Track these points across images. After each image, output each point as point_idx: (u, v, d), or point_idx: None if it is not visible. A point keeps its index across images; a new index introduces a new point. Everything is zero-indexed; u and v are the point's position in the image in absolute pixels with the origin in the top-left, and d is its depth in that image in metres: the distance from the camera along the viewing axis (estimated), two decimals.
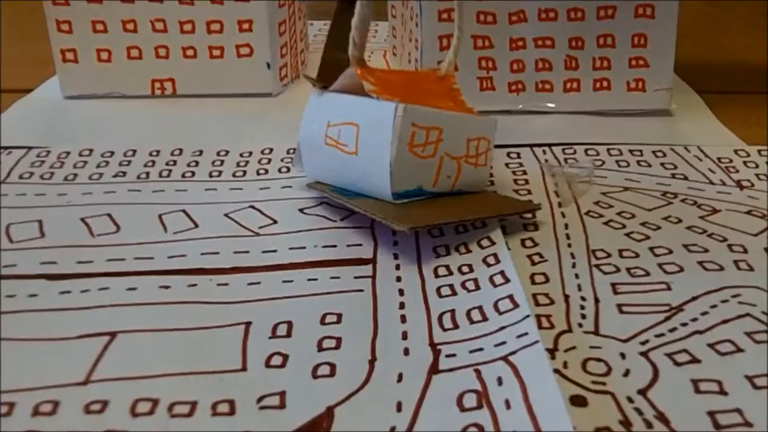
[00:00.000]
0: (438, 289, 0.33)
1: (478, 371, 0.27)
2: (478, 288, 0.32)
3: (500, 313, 0.30)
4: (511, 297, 0.31)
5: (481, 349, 0.28)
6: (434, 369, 0.28)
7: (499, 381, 0.26)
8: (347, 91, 0.38)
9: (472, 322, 0.30)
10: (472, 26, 0.51)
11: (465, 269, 0.34)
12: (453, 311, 0.31)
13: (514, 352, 0.28)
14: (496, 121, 0.40)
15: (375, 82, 0.37)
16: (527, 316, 0.29)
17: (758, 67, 0.65)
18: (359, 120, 0.36)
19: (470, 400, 0.26)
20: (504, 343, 0.28)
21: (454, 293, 0.32)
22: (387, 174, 0.35)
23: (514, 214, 0.38)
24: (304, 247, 0.36)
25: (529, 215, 0.39)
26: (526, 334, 0.28)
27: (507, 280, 0.32)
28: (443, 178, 0.37)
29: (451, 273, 0.34)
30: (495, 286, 0.32)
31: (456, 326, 0.30)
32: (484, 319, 0.30)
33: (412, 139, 0.35)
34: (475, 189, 0.39)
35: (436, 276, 0.34)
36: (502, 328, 0.29)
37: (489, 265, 0.34)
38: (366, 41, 0.37)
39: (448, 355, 0.28)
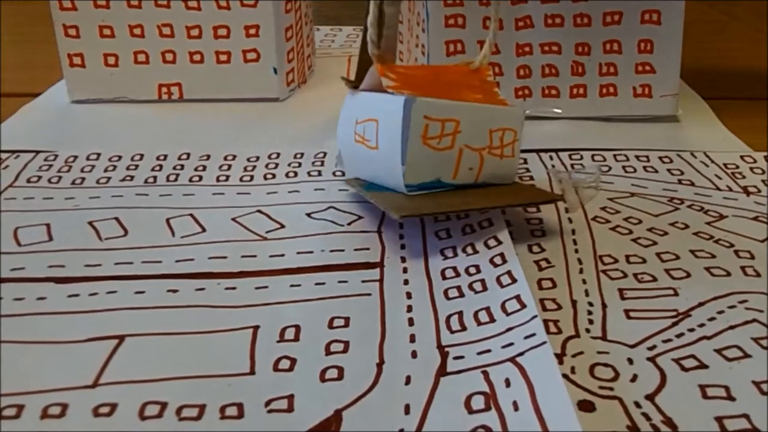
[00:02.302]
0: (445, 291, 0.33)
1: (485, 373, 0.27)
2: (485, 289, 0.32)
3: (507, 314, 0.30)
4: (518, 297, 0.31)
5: (488, 351, 0.28)
6: (442, 371, 0.28)
7: (507, 383, 0.26)
8: (373, 90, 0.39)
9: (479, 323, 0.30)
10: (478, 32, 0.51)
11: (472, 270, 0.34)
12: (460, 313, 0.31)
13: (521, 353, 0.28)
14: (524, 111, 0.39)
15: (396, 78, 0.37)
16: (534, 317, 0.29)
17: (764, 73, 0.65)
18: (378, 115, 0.37)
19: (478, 402, 0.26)
20: (512, 344, 0.28)
21: (462, 295, 0.32)
22: (399, 166, 0.36)
23: (520, 205, 0.37)
24: (311, 252, 0.36)
25: (537, 220, 0.39)
26: (533, 335, 0.28)
27: (514, 280, 0.32)
28: (464, 170, 0.37)
29: (458, 274, 0.34)
30: (502, 286, 0.32)
31: (464, 328, 0.30)
32: (492, 320, 0.30)
33: (425, 132, 0.36)
34: (503, 181, 0.39)
35: (444, 278, 0.34)
36: (510, 329, 0.29)
37: (496, 266, 0.34)
38: (389, 38, 0.38)
39: (455, 357, 0.28)
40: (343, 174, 0.43)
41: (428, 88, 0.38)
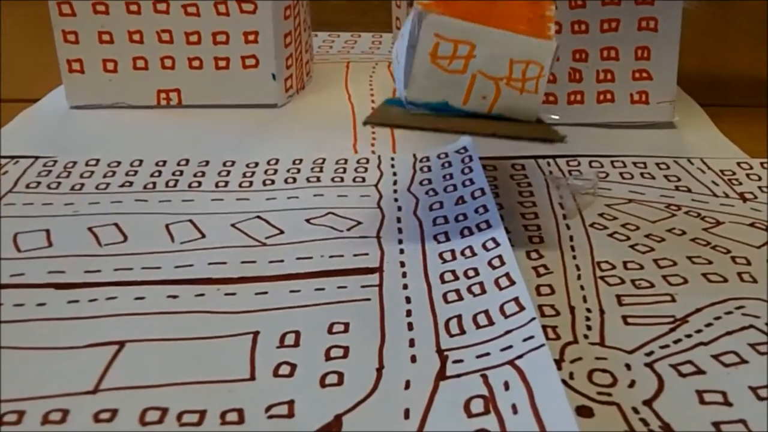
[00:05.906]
0: (444, 295, 0.33)
1: (485, 376, 0.27)
2: (484, 292, 0.32)
3: (506, 317, 0.30)
4: (516, 299, 0.31)
5: (487, 354, 0.29)
6: (441, 375, 0.28)
7: (506, 386, 0.27)
8: None
9: (478, 326, 0.30)
10: None
11: (471, 273, 0.34)
12: (459, 316, 0.31)
13: (520, 356, 0.28)
14: (555, 47, 0.36)
15: None
16: (533, 319, 0.29)
17: (761, 80, 0.65)
18: (403, 31, 0.36)
19: (477, 406, 0.26)
20: (510, 347, 0.28)
21: (461, 298, 0.32)
22: (404, 80, 0.35)
23: (509, 137, 0.35)
24: (311, 257, 0.36)
25: (534, 227, 0.39)
26: (532, 337, 0.28)
27: (512, 282, 0.32)
28: (476, 98, 0.35)
29: (457, 278, 0.34)
30: (501, 288, 0.32)
31: (463, 332, 0.30)
32: (491, 323, 0.30)
33: (435, 50, 0.34)
34: (523, 118, 0.37)
35: (443, 281, 0.34)
36: (509, 331, 0.29)
37: (494, 268, 0.34)
38: None
39: (455, 361, 0.29)
40: None
41: (468, 10, 0.36)
